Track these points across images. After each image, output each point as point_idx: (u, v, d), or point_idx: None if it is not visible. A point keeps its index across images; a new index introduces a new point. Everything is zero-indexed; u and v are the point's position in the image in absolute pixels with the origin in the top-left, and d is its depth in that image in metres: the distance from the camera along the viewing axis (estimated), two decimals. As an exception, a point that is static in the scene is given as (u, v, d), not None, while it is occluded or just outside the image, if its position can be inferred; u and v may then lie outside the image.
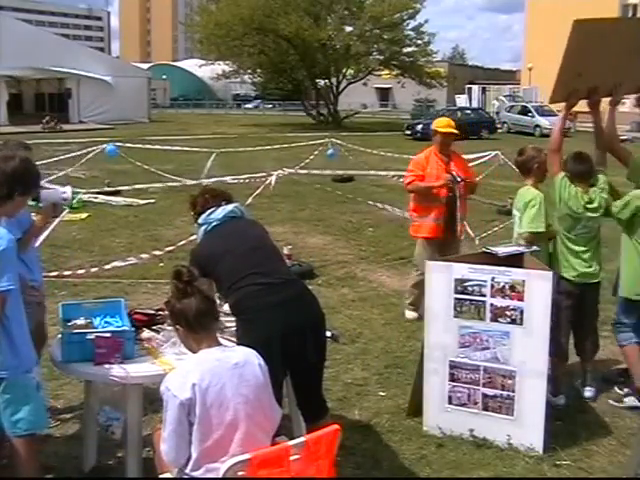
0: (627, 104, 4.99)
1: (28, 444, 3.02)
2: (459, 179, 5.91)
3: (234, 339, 3.42)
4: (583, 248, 4.48)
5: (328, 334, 3.46)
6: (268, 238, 3.57)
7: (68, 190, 3.67)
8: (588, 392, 4.65)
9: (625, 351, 4.66)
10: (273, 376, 2.82)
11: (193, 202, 3.59)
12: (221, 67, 40.72)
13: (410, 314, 6.31)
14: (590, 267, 4.50)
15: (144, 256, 7.77)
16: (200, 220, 3.48)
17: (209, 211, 3.46)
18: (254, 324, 3.15)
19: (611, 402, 4.58)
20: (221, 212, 3.45)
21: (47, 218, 3.72)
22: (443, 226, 5.99)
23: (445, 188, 5.89)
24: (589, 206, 4.40)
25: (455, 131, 6.01)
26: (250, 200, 8.89)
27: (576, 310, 4.55)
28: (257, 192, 9.09)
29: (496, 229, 9.76)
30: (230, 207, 3.49)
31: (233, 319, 3.62)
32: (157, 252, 7.93)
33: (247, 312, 3.20)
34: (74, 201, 3.79)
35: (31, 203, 3.92)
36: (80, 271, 7.37)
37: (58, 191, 3.68)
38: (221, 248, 3.32)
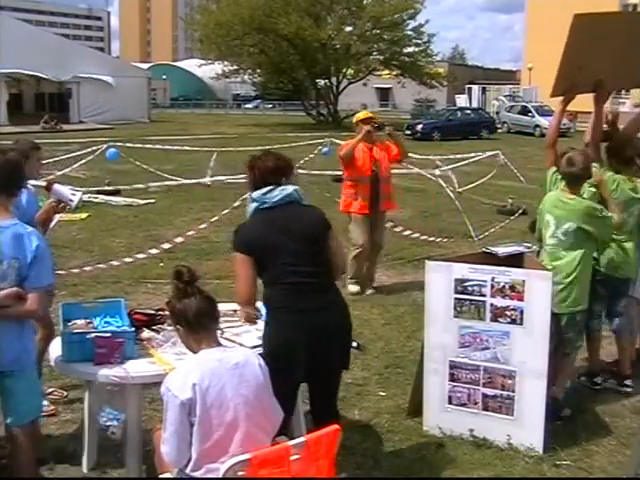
0: (627, 104, 4.99)
1: (29, 432, 3.13)
2: (377, 124, 6.89)
3: (235, 339, 3.43)
4: None
5: (354, 344, 3.44)
6: (322, 233, 3.31)
7: (78, 195, 3.82)
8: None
9: (592, 338, 4.78)
10: (291, 378, 2.95)
11: (251, 166, 3.36)
12: (221, 67, 40.69)
13: (353, 287, 6.96)
14: None
15: (141, 256, 7.73)
16: (254, 196, 3.27)
17: (266, 189, 3.24)
18: (284, 325, 3.14)
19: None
20: (279, 194, 3.24)
21: (50, 212, 3.79)
22: (369, 203, 6.85)
23: (369, 170, 6.81)
24: None
25: (372, 115, 7.19)
26: (247, 196, 8.88)
27: None
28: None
29: (495, 229, 9.75)
30: (290, 189, 3.28)
31: (232, 320, 3.62)
32: (155, 251, 7.92)
33: (278, 311, 3.17)
34: (74, 207, 3.88)
35: (40, 204, 3.98)
36: (79, 270, 7.37)
37: (69, 192, 3.80)
38: (272, 242, 3.16)
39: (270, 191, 3.24)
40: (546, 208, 4.37)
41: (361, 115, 7.18)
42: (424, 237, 8.72)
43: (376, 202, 6.90)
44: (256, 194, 3.27)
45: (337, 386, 3.45)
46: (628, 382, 4.78)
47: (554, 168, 4.49)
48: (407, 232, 8.99)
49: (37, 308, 3.00)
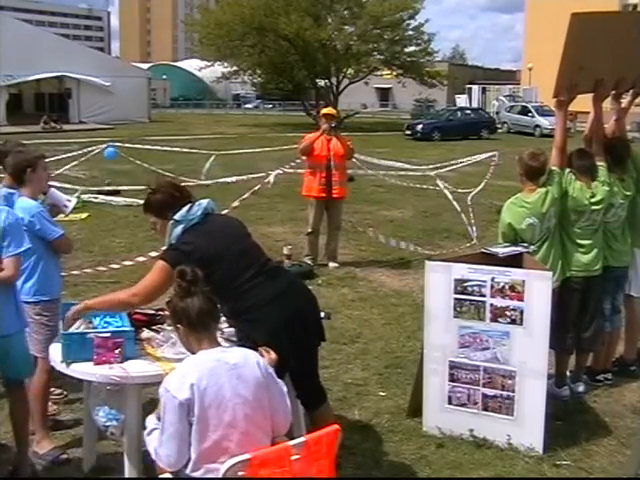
0: (625, 103, 5.02)
1: (22, 390, 3.63)
2: (334, 124, 8.06)
3: (234, 338, 3.43)
4: (587, 241, 4.52)
5: (322, 314, 3.54)
6: (247, 231, 3.51)
7: (73, 202, 3.95)
8: (580, 387, 4.71)
9: (602, 340, 4.86)
10: (284, 366, 2.98)
11: (169, 200, 3.34)
12: (221, 68, 40.63)
13: (332, 264, 8.05)
14: (594, 260, 4.54)
15: (141, 258, 7.72)
16: (177, 217, 3.27)
17: (186, 208, 3.29)
18: (259, 321, 3.17)
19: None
20: (198, 209, 3.30)
21: None
22: (325, 188, 7.85)
23: (325, 159, 7.79)
24: (593, 200, 4.48)
25: (333, 112, 8.30)
26: (247, 195, 8.88)
27: (579, 305, 4.59)
28: (255, 189, 9.09)
29: (495, 229, 9.73)
30: (205, 203, 3.36)
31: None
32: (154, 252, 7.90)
33: (250, 311, 3.19)
34: (68, 213, 4.04)
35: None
36: (79, 270, 7.37)
37: (64, 198, 3.91)
38: (212, 251, 3.22)
39: (190, 208, 3.31)
40: (523, 213, 4.38)
41: (325, 111, 8.32)
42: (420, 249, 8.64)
43: (330, 187, 7.87)
44: (179, 215, 3.28)
45: (317, 361, 3.54)
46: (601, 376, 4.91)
47: (566, 169, 4.51)
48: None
49: (14, 273, 3.34)
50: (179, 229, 3.28)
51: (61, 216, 4.23)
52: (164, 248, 3.35)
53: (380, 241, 9.05)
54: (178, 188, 3.44)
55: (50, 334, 3.71)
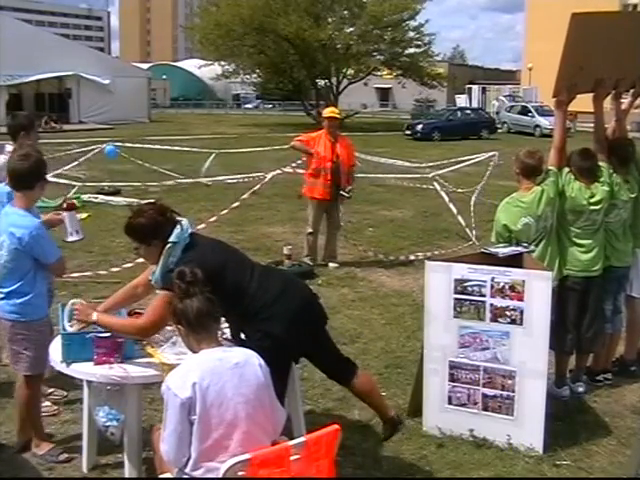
0: (626, 103, 5.03)
1: None
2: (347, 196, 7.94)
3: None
4: (587, 241, 4.51)
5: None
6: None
7: (78, 236, 3.99)
8: (580, 387, 4.70)
9: (603, 341, 4.87)
10: (301, 352, 3.44)
11: (154, 225, 3.27)
12: (221, 68, 40.65)
13: (332, 264, 8.04)
14: (594, 260, 4.53)
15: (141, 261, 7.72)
16: (173, 238, 3.23)
17: (178, 228, 3.27)
18: (277, 317, 3.29)
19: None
20: (187, 227, 3.33)
21: (48, 223, 4.07)
22: (329, 191, 7.77)
23: (330, 161, 7.71)
24: (592, 200, 4.46)
25: (337, 115, 8.10)
26: (247, 195, 8.88)
27: (579, 305, 4.58)
28: (255, 189, 9.09)
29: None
30: (186, 221, 3.37)
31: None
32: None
33: (264, 310, 3.30)
34: (69, 240, 4.09)
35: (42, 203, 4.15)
36: (79, 270, 7.37)
37: (74, 228, 4.06)
38: (216, 261, 3.28)
39: (182, 228, 3.30)
40: (518, 213, 4.38)
41: (328, 112, 8.19)
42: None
43: (336, 190, 7.81)
44: (175, 236, 3.25)
45: (332, 339, 3.79)
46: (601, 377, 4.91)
47: (566, 169, 4.52)
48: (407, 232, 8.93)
49: None
50: (178, 250, 3.25)
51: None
52: (157, 271, 3.26)
53: (380, 240, 9.06)
54: (162, 212, 3.34)
55: (42, 351, 3.59)
